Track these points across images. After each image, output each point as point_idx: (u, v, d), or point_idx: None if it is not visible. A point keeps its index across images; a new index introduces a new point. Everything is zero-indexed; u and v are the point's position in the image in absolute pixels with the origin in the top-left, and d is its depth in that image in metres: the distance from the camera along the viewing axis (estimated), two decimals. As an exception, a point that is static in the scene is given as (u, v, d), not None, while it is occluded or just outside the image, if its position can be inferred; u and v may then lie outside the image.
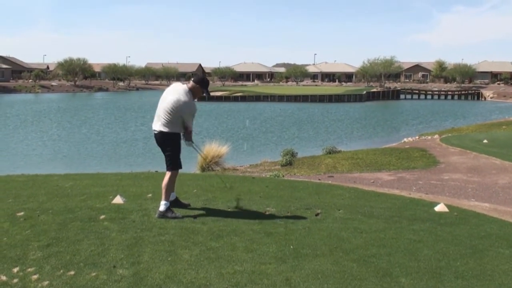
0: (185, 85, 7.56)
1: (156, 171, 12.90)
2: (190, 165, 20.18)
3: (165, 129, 7.44)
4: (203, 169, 18.78)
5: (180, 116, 7.37)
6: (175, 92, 7.44)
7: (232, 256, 5.80)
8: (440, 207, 8.74)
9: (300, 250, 6.09)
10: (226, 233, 6.61)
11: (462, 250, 6.37)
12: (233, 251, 5.97)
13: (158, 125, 7.48)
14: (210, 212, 7.70)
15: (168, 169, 7.62)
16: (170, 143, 7.54)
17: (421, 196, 10.58)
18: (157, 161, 21.34)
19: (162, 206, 7.39)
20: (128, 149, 32.68)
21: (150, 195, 8.88)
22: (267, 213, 7.86)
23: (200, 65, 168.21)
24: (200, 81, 7.56)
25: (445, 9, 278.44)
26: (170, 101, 7.34)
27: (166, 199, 7.46)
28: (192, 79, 7.67)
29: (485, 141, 23.72)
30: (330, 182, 12.63)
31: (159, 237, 6.40)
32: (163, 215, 7.33)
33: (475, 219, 8.34)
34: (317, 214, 7.87)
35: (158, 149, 7.79)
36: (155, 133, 7.59)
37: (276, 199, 8.96)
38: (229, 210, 7.94)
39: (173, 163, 7.58)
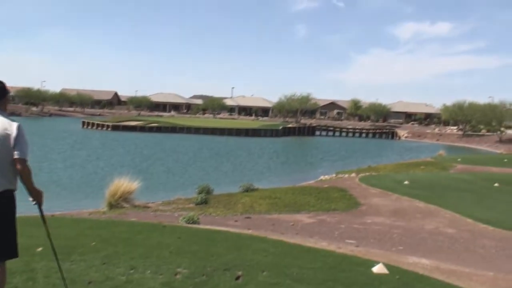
0: None
1: (53, 215, 11.34)
2: (96, 201, 18.66)
3: (11, 186, 4.72)
4: (111, 206, 17.39)
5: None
6: None
7: None
8: (378, 268, 7.67)
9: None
10: (126, 308, 5.31)
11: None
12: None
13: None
14: (109, 275, 6.34)
15: (13, 256, 4.80)
16: (15, 209, 4.82)
17: (353, 251, 9.55)
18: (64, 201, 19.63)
19: None
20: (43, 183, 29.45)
21: (40, 249, 7.40)
22: (177, 276, 6.57)
23: (116, 93, 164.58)
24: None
25: (362, 51, 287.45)
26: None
27: None
28: None
29: (406, 182, 23.31)
30: (251, 232, 11.43)
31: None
32: None
33: (419, 284, 7.32)
34: (237, 278, 6.65)
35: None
36: None
37: (190, 256, 7.67)
38: (131, 272, 6.57)
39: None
